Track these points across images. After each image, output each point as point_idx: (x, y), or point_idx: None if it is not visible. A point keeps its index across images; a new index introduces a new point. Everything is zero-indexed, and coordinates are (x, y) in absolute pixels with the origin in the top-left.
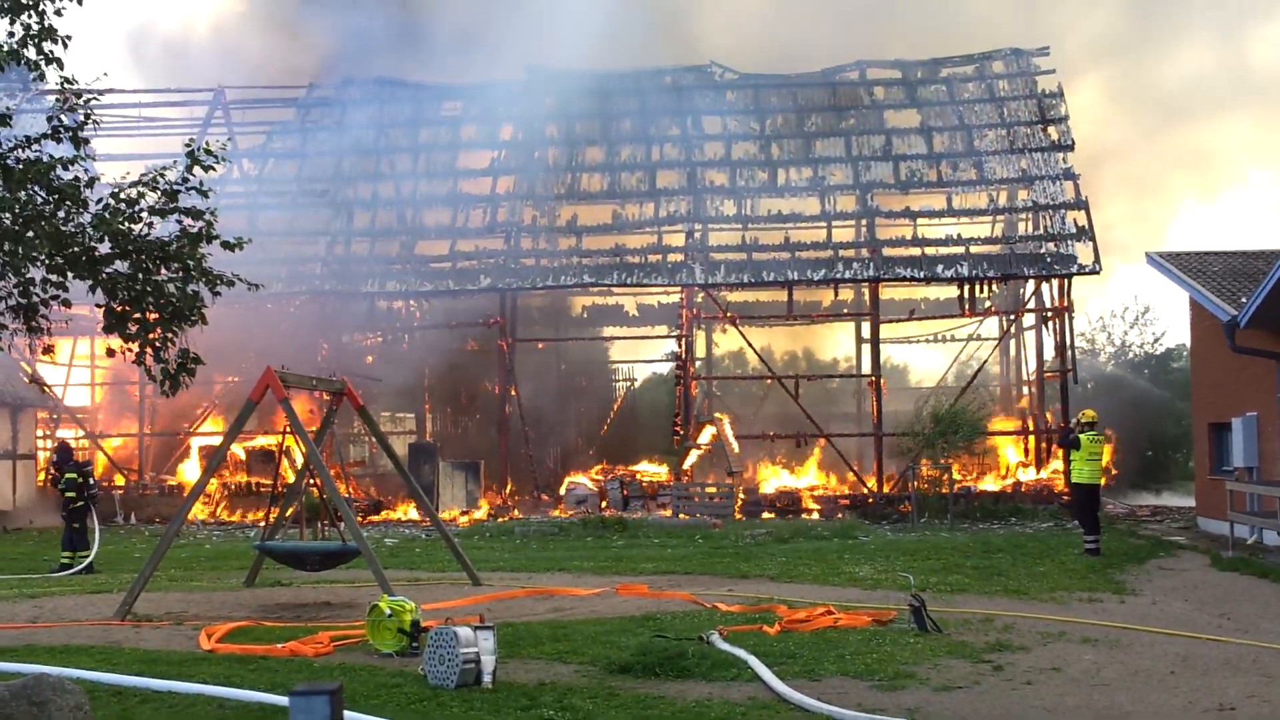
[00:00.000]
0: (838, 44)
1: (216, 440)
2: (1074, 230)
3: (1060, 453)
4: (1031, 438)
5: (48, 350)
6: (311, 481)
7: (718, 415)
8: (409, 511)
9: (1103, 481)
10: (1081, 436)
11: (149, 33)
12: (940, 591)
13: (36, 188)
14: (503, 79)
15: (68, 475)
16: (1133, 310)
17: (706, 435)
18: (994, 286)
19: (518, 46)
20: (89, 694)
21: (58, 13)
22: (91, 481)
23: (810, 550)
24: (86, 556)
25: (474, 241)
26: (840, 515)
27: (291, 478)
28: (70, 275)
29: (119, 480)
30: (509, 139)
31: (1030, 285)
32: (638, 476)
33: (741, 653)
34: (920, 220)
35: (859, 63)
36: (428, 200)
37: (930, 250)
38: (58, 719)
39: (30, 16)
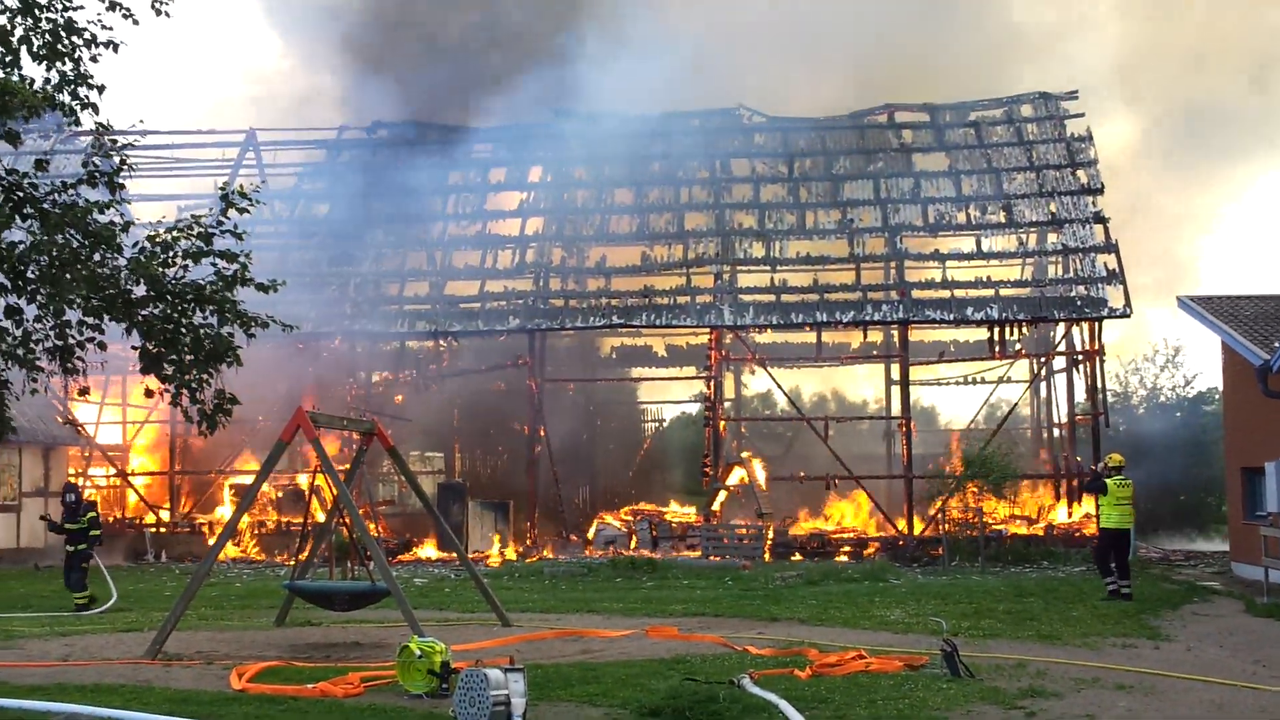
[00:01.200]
0: (866, 87)
1: (246, 479)
2: (1104, 273)
3: (1092, 498)
4: (1063, 481)
5: (84, 392)
6: (341, 521)
7: (746, 456)
8: (437, 551)
9: (1131, 526)
10: (1108, 481)
11: (181, 74)
12: (972, 636)
13: (73, 231)
14: (532, 122)
15: (90, 515)
16: (1163, 353)
17: (735, 476)
18: (1024, 329)
19: (547, 89)
20: None
21: (93, 59)
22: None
23: (841, 593)
24: (88, 596)
25: (503, 282)
26: (870, 558)
27: (321, 517)
28: (106, 317)
29: (150, 519)
30: (538, 181)
31: (1060, 328)
32: (666, 517)
33: (773, 697)
34: (949, 262)
35: (887, 105)
36: (457, 241)
37: (960, 292)
38: None
39: (65, 63)
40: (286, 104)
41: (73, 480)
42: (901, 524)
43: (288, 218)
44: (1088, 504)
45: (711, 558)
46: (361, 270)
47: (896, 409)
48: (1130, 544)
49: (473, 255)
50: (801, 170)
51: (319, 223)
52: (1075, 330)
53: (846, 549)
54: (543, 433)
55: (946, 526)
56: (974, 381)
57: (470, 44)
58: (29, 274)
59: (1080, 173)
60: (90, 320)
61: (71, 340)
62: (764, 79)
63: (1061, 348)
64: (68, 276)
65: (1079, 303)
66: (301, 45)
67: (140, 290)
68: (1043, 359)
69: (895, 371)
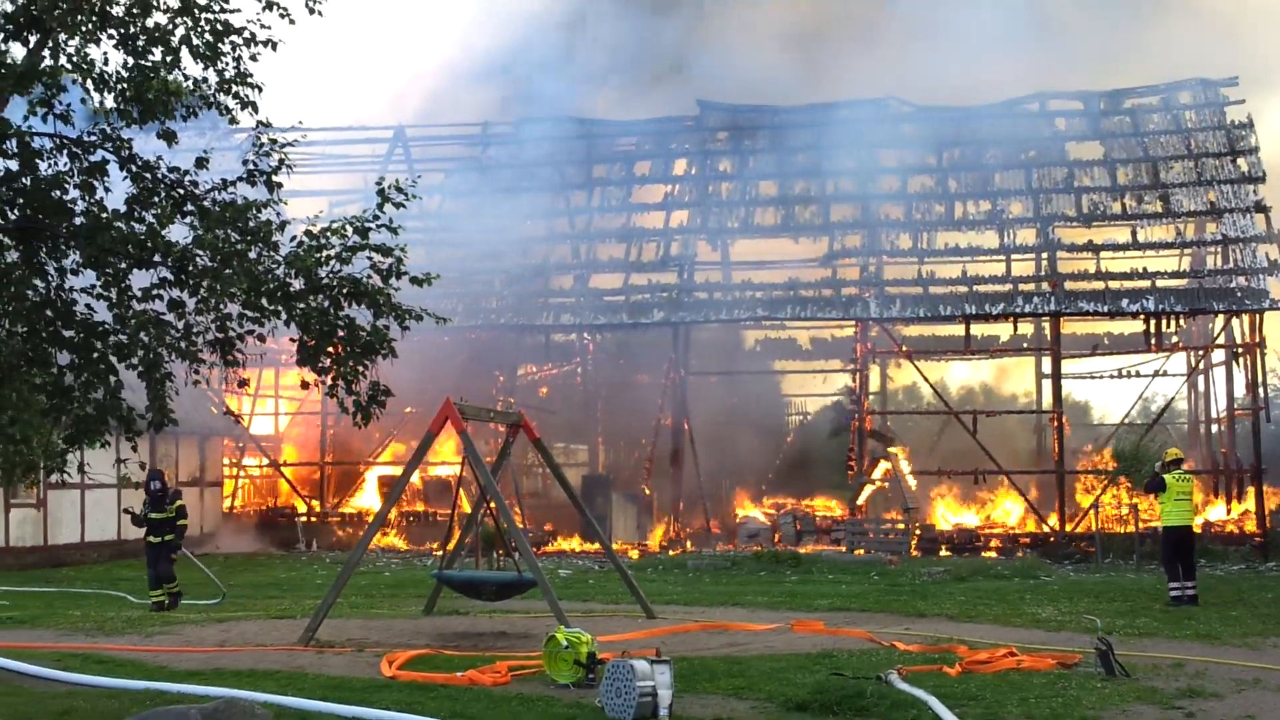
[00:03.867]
0: (1017, 76)
1: (393, 470)
2: (1265, 264)
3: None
4: (1221, 478)
5: (243, 383)
6: (488, 512)
7: (893, 450)
8: (580, 543)
9: (1195, 524)
10: (1167, 477)
11: (331, 70)
12: (1127, 635)
13: (230, 230)
14: (677, 114)
15: (178, 504)
16: None
17: (881, 470)
18: (1181, 321)
19: (692, 82)
20: (275, 718)
21: (253, 58)
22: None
23: (990, 589)
24: (176, 589)
25: (647, 275)
26: (1020, 554)
27: (468, 508)
28: (265, 311)
29: (301, 508)
30: (682, 173)
31: (1220, 320)
32: (811, 511)
33: (921, 693)
34: (1104, 253)
35: (1039, 94)
36: (601, 234)
37: (1114, 284)
38: None
39: (224, 63)
40: (434, 100)
41: (158, 468)
42: (1053, 520)
43: (435, 212)
44: (1248, 501)
45: (857, 552)
46: (507, 264)
47: (1047, 403)
48: (1194, 543)
49: (617, 248)
50: (950, 160)
51: (466, 217)
52: (1235, 322)
53: (995, 545)
54: (686, 426)
55: (1099, 523)
56: (1128, 375)
57: (611, 37)
58: (190, 269)
59: (1241, 160)
60: (250, 313)
61: (232, 333)
62: (912, 69)
63: (1220, 340)
64: (228, 271)
65: (1239, 294)
66: (449, 40)
67: (299, 284)
68: (1201, 352)
69: (1046, 365)
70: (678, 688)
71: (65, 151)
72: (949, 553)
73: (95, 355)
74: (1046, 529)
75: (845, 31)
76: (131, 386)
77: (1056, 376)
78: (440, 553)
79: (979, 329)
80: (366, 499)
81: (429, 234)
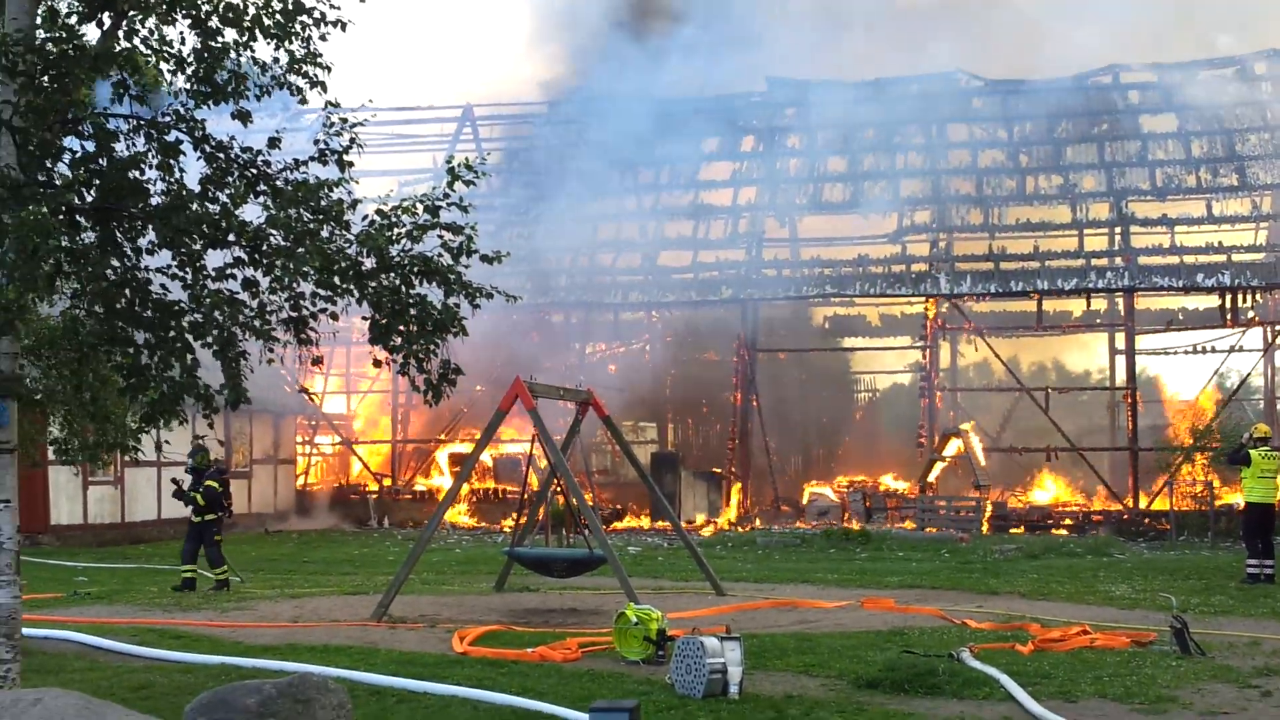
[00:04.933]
0: (1090, 48)
1: (463, 447)
2: None
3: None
4: None
5: (317, 361)
6: (559, 489)
7: (963, 427)
8: (650, 520)
9: (1275, 500)
10: (1252, 453)
11: (399, 50)
12: (1202, 613)
13: (304, 208)
14: (745, 90)
15: (209, 484)
16: None
17: (952, 448)
18: (1258, 296)
19: (759, 57)
20: (348, 693)
21: (323, 38)
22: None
23: (1062, 567)
24: (224, 572)
25: (715, 252)
26: (1093, 532)
27: (538, 485)
28: (338, 289)
29: (373, 485)
30: (750, 150)
31: None
32: (880, 488)
33: (994, 671)
34: (1178, 227)
35: (1112, 66)
36: (670, 212)
37: (1189, 258)
38: (321, 717)
39: (295, 43)
40: (502, 78)
41: (200, 442)
42: (1126, 498)
43: (502, 190)
44: None
45: (927, 530)
46: (574, 243)
47: (1120, 379)
48: (1274, 520)
49: (685, 226)
50: (1022, 134)
51: (534, 195)
52: None
53: (1067, 523)
54: (755, 403)
55: (1174, 500)
56: (1203, 351)
57: (681, 13)
58: (264, 248)
59: None
60: (323, 292)
61: (305, 312)
62: (982, 43)
63: None
64: (301, 250)
65: None
66: (517, 18)
67: (370, 263)
68: (1278, 327)
69: (1119, 340)
70: (748, 665)
71: (141, 133)
72: (1021, 530)
73: (171, 334)
74: (1120, 506)
75: (914, 4)
76: (206, 365)
77: (1130, 353)
78: (510, 530)
79: (1051, 305)
80: (438, 477)
81: (496, 212)
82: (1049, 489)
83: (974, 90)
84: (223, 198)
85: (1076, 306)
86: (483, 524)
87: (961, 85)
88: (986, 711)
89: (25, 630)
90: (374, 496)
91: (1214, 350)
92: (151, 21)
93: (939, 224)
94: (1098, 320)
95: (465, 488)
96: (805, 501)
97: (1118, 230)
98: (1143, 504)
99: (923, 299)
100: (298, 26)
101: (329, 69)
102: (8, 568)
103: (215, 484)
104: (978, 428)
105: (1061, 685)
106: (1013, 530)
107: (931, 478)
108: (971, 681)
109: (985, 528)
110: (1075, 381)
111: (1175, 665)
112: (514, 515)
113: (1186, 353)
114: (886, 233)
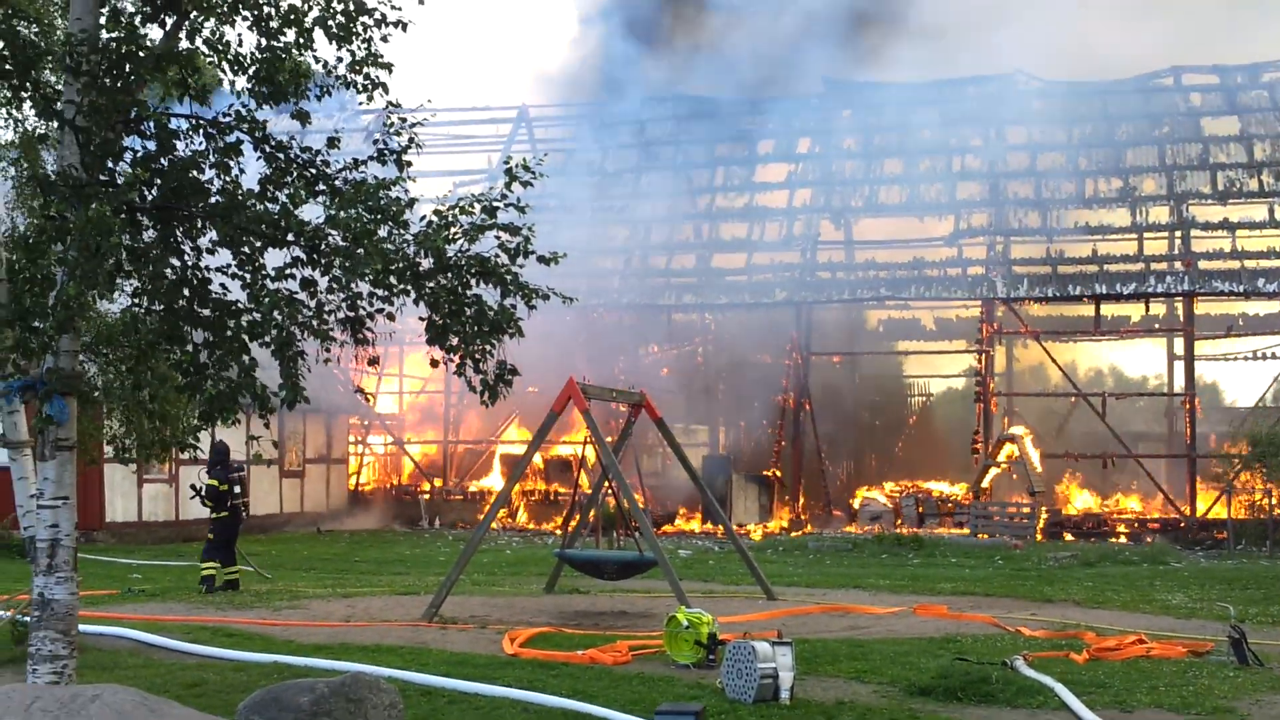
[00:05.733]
0: (1151, 50)
1: (514, 449)
2: None
3: None
4: None
5: (373, 361)
6: (610, 491)
7: (1018, 432)
8: (700, 524)
9: None
10: None
11: (455, 50)
12: (1261, 623)
13: (362, 207)
14: (802, 93)
15: (210, 480)
16: None
17: (1006, 453)
18: None
19: (815, 60)
20: (400, 693)
21: (384, 39)
22: (236, 490)
23: (1118, 575)
24: (234, 571)
25: (769, 254)
26: (1149, 540)
27: (589, 487)
28: (395, 289)
29: (424, 486)
30: (806, 152)
31: None
32: (933, 494)
33: (1048, 680)
34: (1240, 231)
35: (1174, 69)
36: (724, 214)
37: (1250, 263)
38: (373, 716)
39: (356, 43)
40: (556, 80)
41: (222, 441)
42: (1184, 505)
43: (557, 191)
44: None
45: (980, 536)
46: (628, 244)
47: (1179, 385)
48: None
49: (739, 227)
50: (1081, 137)
51: (588, 196)
52: None
53: (1123, 530)
54: (807, 406)
55: (1232, 509)
56: (1264, 357)
57: (738, 16)
58: (323, 248)
59: None
60: (380, 292)
61: (362, 312)
62: (1041, 44)
63: None
64: (359, 250)
65: None
66: (572, 20)
67: (428, 263)
68: None
69: (1179, 346)
70: (799, 670)
71: (201, 132)
72: (1075, 538)
73: (229, 334)
74: (1176, 514)
75: (972, 5)
76: (262, 365)
77: (1189, 358)
78: (561, 531)
79: (1109, 309)
80: (489, 478)
81: (550, 213)
82: (1105, 497)
83: (1033, 92)
84: (282, 197)
85: (1135, 311)
86: (533, 525)
87: (1021, 87)
88: None
89: (80, 627)
90: (425, 497)
91: (1275, 356)
92: (212, 23)
93: (996, 227)
94: (1156, 325)
95: (516, 489)
96: (857, 506)
97: (1178, 234)
98: (1200, 512)
99: (978, 303)
100: (359, 27)
101: (390, 69)
102: (65, 564)
103: (215, 481)
104: (1032, 433)
105: (1117, 695)
106: (1067, 537)
107: (985, 483)
108: (1026, 690)
109: (1039, 535)
110: (1133, 387)
111: (1233, 676)
112: (564, 517)
113: (1246, 359)
114: (943, 235)
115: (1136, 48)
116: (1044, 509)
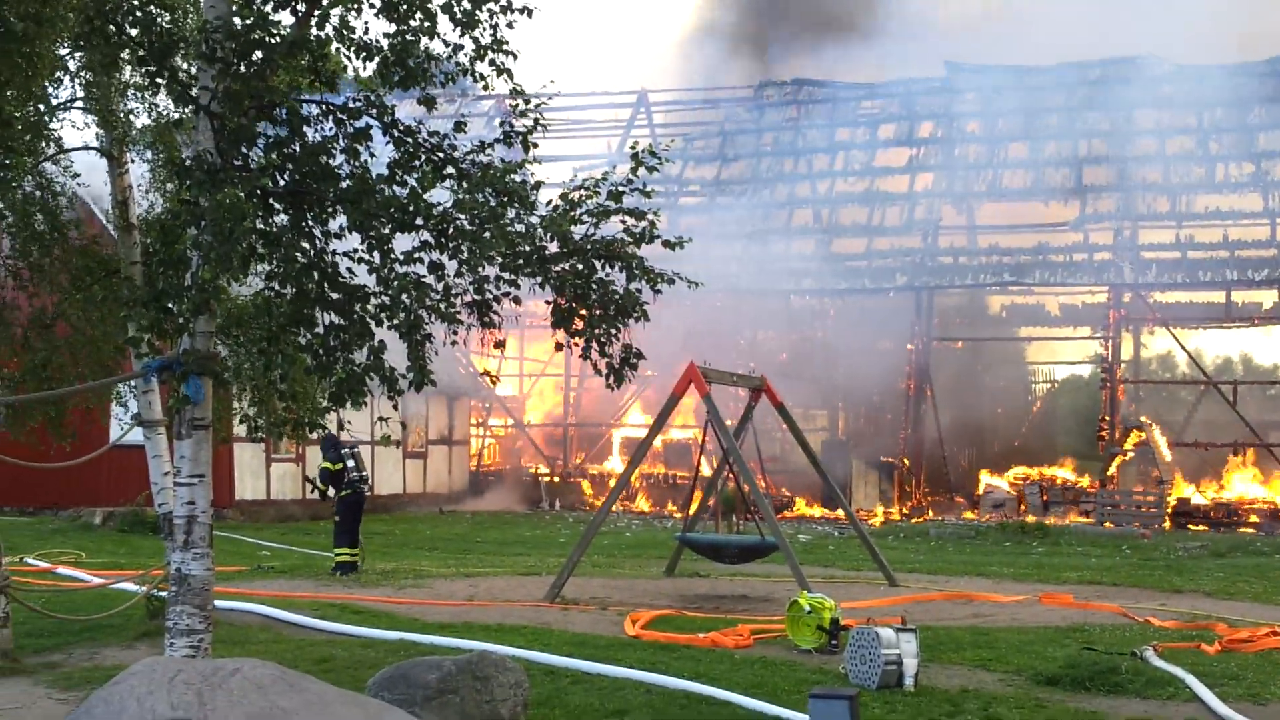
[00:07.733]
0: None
1: (633, 432)
2: None
3: None
4: None
5: (499, 345)
6: (730, 475)
7: (1146, 421)
8: (820, 509)
9: None
10: None
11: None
12: None
13: (489, 191)
14: (923, 76)
15: (321, 465)
16: None
17: (1132, 440)
18: None
19: (939, 43)
20: (524, 672)
21: (509, 25)
22: (349, 468)
23: (1250, 566)
24: (356, 552)
25: (890, 239)
26: None
27: (709, 471)
28: (521, 272)
29: (544, 468)
30: (928, 136)
31: None
32: (1058, 481)
33: (1179, 671)
34: None
35: None
36: (844, 199)
37: None
38: (499, 694)
39: (481, 29)
40: (676, 64)
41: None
42: None
43: (677, 176)
44: None
45: (1106, 525)
46: (748, 228)
47: None
48: None
49: (859, 212)
50: (1211, 121)
51: (708, 181)
52: None
53: (1255, 520)
54: (929, 392)
55: None
56: None
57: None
58: (450, 231)
59: None
60: (507, 275)
61: (489, 295)
62: (1169, 26)
63: None
64: (486, 234)
65: None
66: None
67: (553, 247)
68: None
69: None
70: (922, 657)
71: (331, 118)
72: (1204, 527)
73: (355, 317)
74: None
75: None
76: (389, 348)
77: None
78: (680, 515)
79: (1240, 296)
80: (609, 461)
81: (670, 197)
82: (1235, 486)
83: (1162, 75)
84: (411, 182)
85: (1267, 298)
86: (653, 509)
87: (1149, 70)
88: (1171, 711)
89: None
90: (546, 479)
91: None
92: (338, 10)
93: (1124, 212)
94: None
95: (636, 472)
96: (979, 493)
97: None
98: None
99: (1105, 289)
100: (484, 14)
101: (515, 56)
102: (201, 540)
103: (328, 463)
104: (1160, 421)
105: (1250, 687)
106: (1196, 527)
107: (1111, 471)
108: (1155, 681)
109: (1168, 524)
110: (1265, 375)
111: None
112: (684, 501)
113: None
114: (1068, 220)
115: (1269, 27)
116: (1172, 497)
